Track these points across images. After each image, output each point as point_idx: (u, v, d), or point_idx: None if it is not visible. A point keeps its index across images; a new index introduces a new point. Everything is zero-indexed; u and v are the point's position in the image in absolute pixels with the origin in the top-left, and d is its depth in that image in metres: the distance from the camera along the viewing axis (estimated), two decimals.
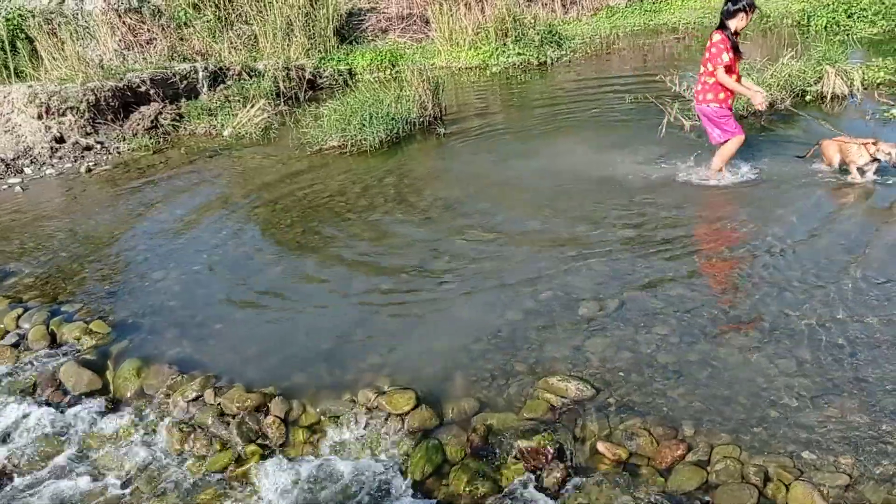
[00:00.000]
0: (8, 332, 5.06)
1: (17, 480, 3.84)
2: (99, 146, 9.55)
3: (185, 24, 13.19)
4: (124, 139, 9.76)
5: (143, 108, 10.28)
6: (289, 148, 8.91)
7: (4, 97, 9.63)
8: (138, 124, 10.02)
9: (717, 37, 5.99)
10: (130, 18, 12.77)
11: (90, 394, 4.38)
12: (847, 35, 11.78)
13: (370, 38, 14.98)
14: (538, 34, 13.47)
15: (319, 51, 13.54)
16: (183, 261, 5.93)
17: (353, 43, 14.48)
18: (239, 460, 3.78)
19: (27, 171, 8.94)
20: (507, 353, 4.16)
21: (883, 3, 12.55)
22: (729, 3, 5.96)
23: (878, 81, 8.74)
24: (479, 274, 5.16)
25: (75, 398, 4.36)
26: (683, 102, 8.40)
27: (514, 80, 12.23)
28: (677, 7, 16.25)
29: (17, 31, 11.63)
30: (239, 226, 6.57)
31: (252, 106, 10.32)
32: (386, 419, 3.81)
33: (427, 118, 9.25)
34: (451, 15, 13.79)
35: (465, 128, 9.18)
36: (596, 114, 9.22)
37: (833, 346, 3.90)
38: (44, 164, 9.11)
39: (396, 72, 12.02)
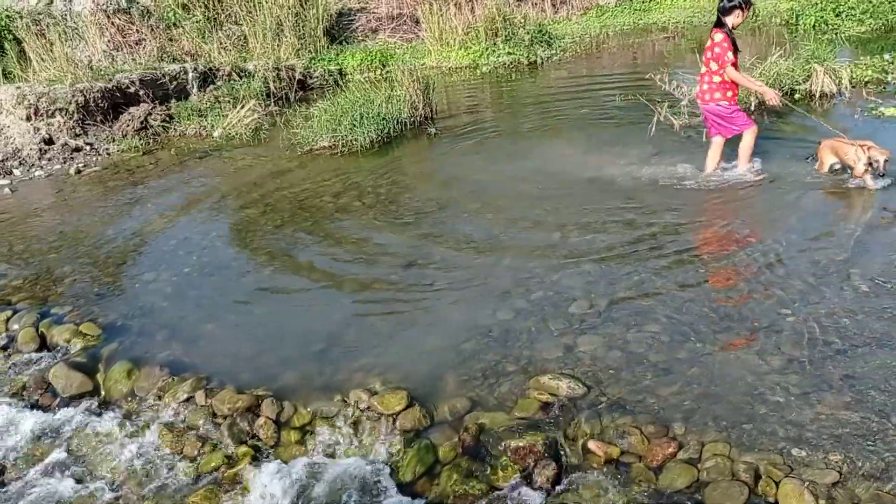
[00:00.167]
0: None
1: (7, 483, 3.82)
2: (88, 147, 9.51)
3: (175, 24, 13.14)
4: (114, 140, 9.72)
5: (132, 110, 10.23)
6: (279, 149, 8.89)
7: None
8: (128, 125, 9.98)
9: (718, 36, 5.99)
10: (119, 19, 12.72)
11: (80, 396, 4.37)
12: (835, 34, 11.84)
13: (360, 38, 14.97)
14: (528, 34, 13.48)
15: (309, 51, 13.51)
16: (173, 262, 5.91)
17: (344, 43, 14.46)
18: (230, 461, 3.77)
19: (16, 172, 8.90)
20: (499, 353, 4.17)
21: (870, 2, 12.62)
22: (724, 0, 5.97)
23: (865, 80, 8.78)
24: (470, 274, 5.17)
25: (65, 400, 4.35)
26: (673, 102, 8.43)
27: (504, 79, 12.25)
28: (667, 6, 16.29)
29: (5, 32, 11.56)
30: (229, 227, 6.55)
31: (242, 107, 10.29)
32: (377, 419, 3.81)
33: (418, 118, 9.25)
34: (441, 15, 13.79)
35: (455, 128, 9.19)
36: (586, 113, 9.23)
37: (822, 343, 3.92)
38: (33, 165, 9.07)
39: (387, 72, 12.02)
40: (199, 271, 5.72)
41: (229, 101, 10.63)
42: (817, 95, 8.39)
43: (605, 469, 3.33)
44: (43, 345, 4.88)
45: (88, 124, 9.83)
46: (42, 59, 10.81)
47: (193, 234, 6.46)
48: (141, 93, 10.40)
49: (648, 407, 3.61)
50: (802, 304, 4.30)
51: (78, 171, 8.79)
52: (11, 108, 9.48)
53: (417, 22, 14.82)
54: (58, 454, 3.97)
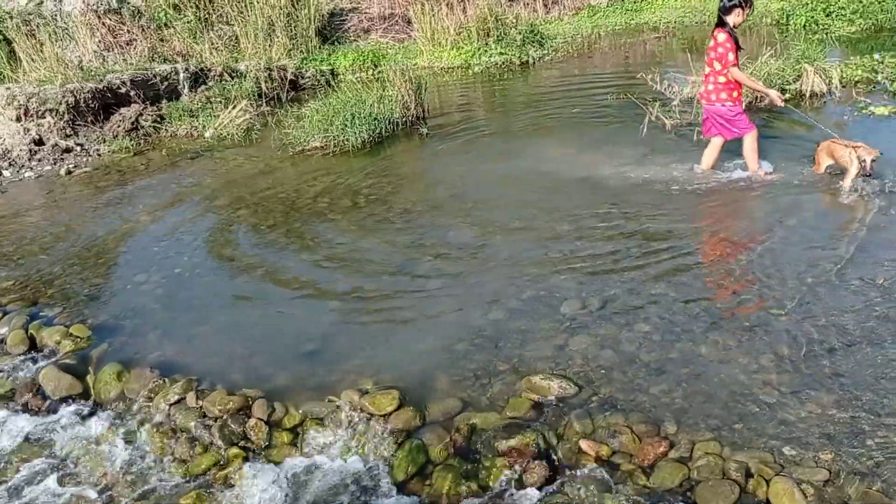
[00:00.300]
0: None
1: None
2: (79, 148, 9.47)
3: (166, 24, 13.10)
4: (104, 141, 9.68)
5: (123, 110, 10.19)
6: (271, 149, 8.87)
7: None
8: (118, 126, 9.94)
9: (721, 36, 5.97)
10: (110, 19, 12.67)
11: (70, 398, 4.34)
12: (825, 34, 11.89)
13: (352, 38, 14.96)
14: (520, 34, 13.50)
15: (301, 51, 13.50)
16: (164, 263, 5.89)
17: (336, 43, 14.45)
18: (221, 463, 3.76)
19: (6, 173, 8.85)
20: (490, 353, 4.17)
21: (860, 2, 12.68)
22: (725, 0, 5.96)
23: (855, 79, 8.83)
24: (461, 274, 5.17)
25: (55, 403, 4.33)
26: (664, 101, 8.45)
27: (496, 79, 12.25)
28: (658, 6, 16.34)
29: None
30: (221, 227, 6.53)
31: (234, 107, 10.27)
32: (369, 420, 3.80)
33: (410, 118, 9.24)
34: (433, 15, 13.79)
35: (447, 128, 9.19)
36: (578, 113, 9.25)
37: (812, 342, 3.93)
38: (23, 166, 9.02)
39: (379, 72, 11.99)
40: (189, 272, 5.70)
41: (221, 102, 10.60)
42: (807, 95, 8.42)
43: (596, 468, 3.32)
44: (32, 347, 4.85)
45: (79, 125, 9.79)
46: (32, 59, 10.75)
47: (184, 235, 6.43)
48: (132, 93, 10.36)
49: (640, 406, 3.61)
50: (793, 304, 4.31)
51: (68, 172, 8.75)
52: (1, 108, 9.43)
53: (409, 22, 14.82)
54: (47, 457, 3.95)
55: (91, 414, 4.22)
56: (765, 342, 3.98)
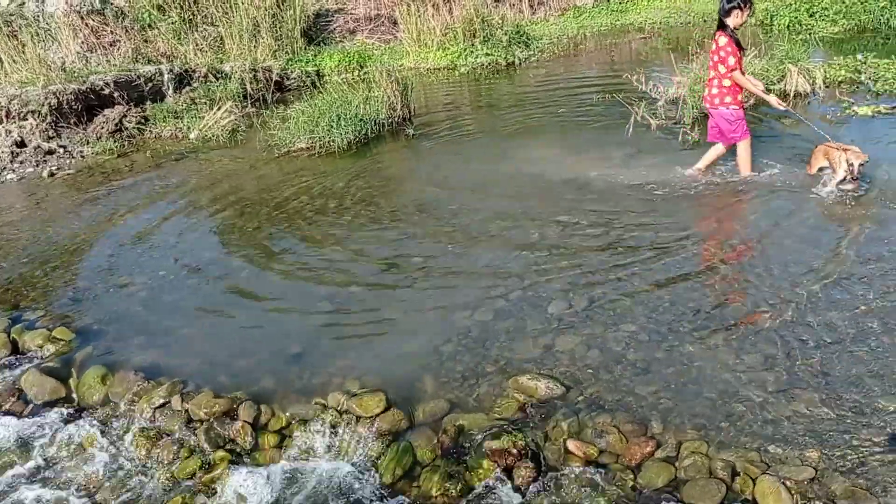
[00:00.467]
0: None
1: None
2: (62, 150, 9.38)
3: (150, 25, 13.01)
4: (88, 143, 9.60)
5: (107, 112, 10.11)
6: (256, 150, 8.83)
7: None
8: (102, 128, 9.86)
9: (722, 40, 5.97)
10: (93, 20, 12.57)
11: (53, 402, 4.30)
12: (809, 34, 11.98)
13: (338, 39, 14.92)
14: (506, 35, 13.51)
15: (287, 52, 13.44)
16: (149, 266, 5.85)
17: (321, 44, 14.40)
18: (207, 466, 3.73)
19: None
20: (478, 354, 4.16)
21: (843, 3, 12.79)
22: (724, 1, 5.95)
23: (839, 79, 8.89)
24: (448, 275, 5.16)
25: (38, 407, 4.28)
26: (650, 102, 8.47)
27: (482, 80, 12.26)
28: (643, 7, 16.41)
29: None
30: (206, 229, 6.49)
31: (219, 108, 10.22)
32: (356, 422, 3.78)
33: (396, 119, 9.23)
34: (419, 16, 13.78)
35: (434, 128, 9.18)
36: (564, 113, 9.26)
37: (798, 341, 3.95)
38: (4, 168, 8.92)
39: (365, 73, 11.97)
40: (174, 274, 5.65)
41: (206, 103, 10.54)
42: (791, 95, 8.47)
43: (583, 469, 3.32)
44: (14, 350, 4.80)
45: (62, 127, 9.70)
46: (14, 60, 10.64)
47: (169, 237, 6.39)
48: (115, 95, 10.28)
49: (627, 406, 3.62)
50: (779, 303, 4.33)
51: (51, 174, 8.67)
52: None
53: (395, 23, 14.80)
54: (30, 462, 3.91)
55: (75, 418, 4.18)
56: (751, 341, 3.99)
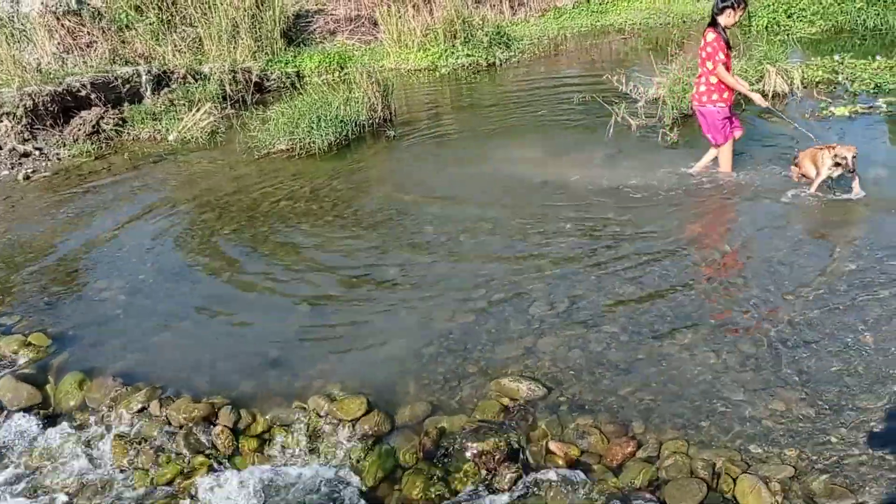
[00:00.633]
0: None
1: None
2: (37, 152, 9.26)
3: (127, 26, 12.89)
4: (64, 145, 9.48)
5: (83, 113, 9.99)
6: (236, 152, 8.77)
7: None
8: (79, 129, 9.74)
9: (710, 35, 5.99)
10: (69, 21, 12.42)
11: (30, 409, 4.23)
12: (787, 35, 12.10)
13: (318, 40, 14.85)
14: (486, 35, 13.52)
15: (266, 53, 13.37)
16: (127, 269, 5.78)
17: (301, 45, 14.34)
18: (187, 472, 3.69)
19: None
20: (459, 356, 4.15)
21: (821, 4, 12.92)
22: (717, 0, 5.96)
23: (816, 80, 8.97)
24: (429, 277, 5.14)
25: (14, 413, 4.20)
26: (630, 102, 8.51)
27: (463, 81, 12.25)
28: (623, 8, 16.48)
29: None
30: (185, 233, 6.43)
31: (198, 110, 10.13)
32: (337, 425, 3.76)
33: (377, 120, 9.20)
34: (400, 17, 13.75)
35: (415, 129, 9.16)
36: (545, 114, 9.27)
37: (777, 340, 3.97)
38: None
39: (345, 74, 11.94)
40: (153, 278, 5.59)
41: (184, 105, 10.44)
42: (770, 95, 8.53)
43: (565, 470, 3.32)
44: None
45: (38, 129, 9.57)
46: None
47: (147, 241, 6.32)
48: (93, 96, 10.16)
49: (608, 406, 3.62)
50: (759, 304, 4.36)
51: (27, 177, 8.56)
52: None
53: (376, 24, 14.76)
54: (6, 470, 3.85)
55: (51, 424, 4.12)
56: (730, 341, 4.02)
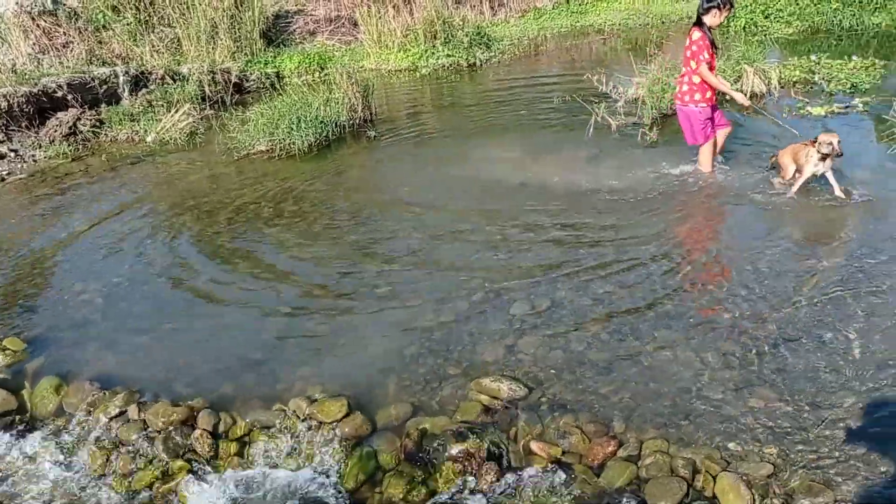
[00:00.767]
0: None
1: None
2: (13, 154, 9.13)
3: (104, 26, 12.74)
4: (40, 147, 9.36)
5: (60, 115, 9.86)
6: (215, 153, 8.70)
7: None
8: (55, 131, 9.62)
9: (696, 34, 6.00)
10: (45, 21, 12.26)
11: (4, 414, 4.17)
12: (764, 35, 12.20)
13: (298, 40, 14.78)
14: (467, 36, 13.51)
15: (246, 54, 13.28)
16: (104, 272, 5.72)
17: (281, 46, 14.26)
18: (166, 476, 3.66)
19: None
20: (440, 356, 4.15)
21: (798, 5, 13.04)
22: (703, 0, 5.97)
23: (794, 80, 9.05)
24: (409, 278, 5.13)
25: None
26: (610, 102, 8.54)
27: (443, 81, 12.24)
28: (603, 9, 16.53)
29: None
30: (163, 234, 6.37)
31: (176, 111, 10.04)
32: (318, 428, 3.74)
33: (357, 121, 9.17)
34: (380, 17, 13.71)
35: (396, 130, 9.14)
36: (525, 115, 9.28)
37: (756, 339, 4.00)
38: None
39: (325, 74, 11.88)
40: (130, 281, 5.54)
41: (163, 106, 10.33)
42: (748, 95, 8.58)
43: (547, 469, 3.32)
44: None
45: (13, 130, 9.44)
46: None
47: (125, 243, 6.25)
48: (69, 97, 10.04)
49: (589, 406, 3.63)
50: (739, 303, 4.39)
51: (1, 179, 8.44)
52: None
53: (356, 24, 14.70)
54: None
55: (27, 430, 4.07)
56: (710, 340, 4.04)
